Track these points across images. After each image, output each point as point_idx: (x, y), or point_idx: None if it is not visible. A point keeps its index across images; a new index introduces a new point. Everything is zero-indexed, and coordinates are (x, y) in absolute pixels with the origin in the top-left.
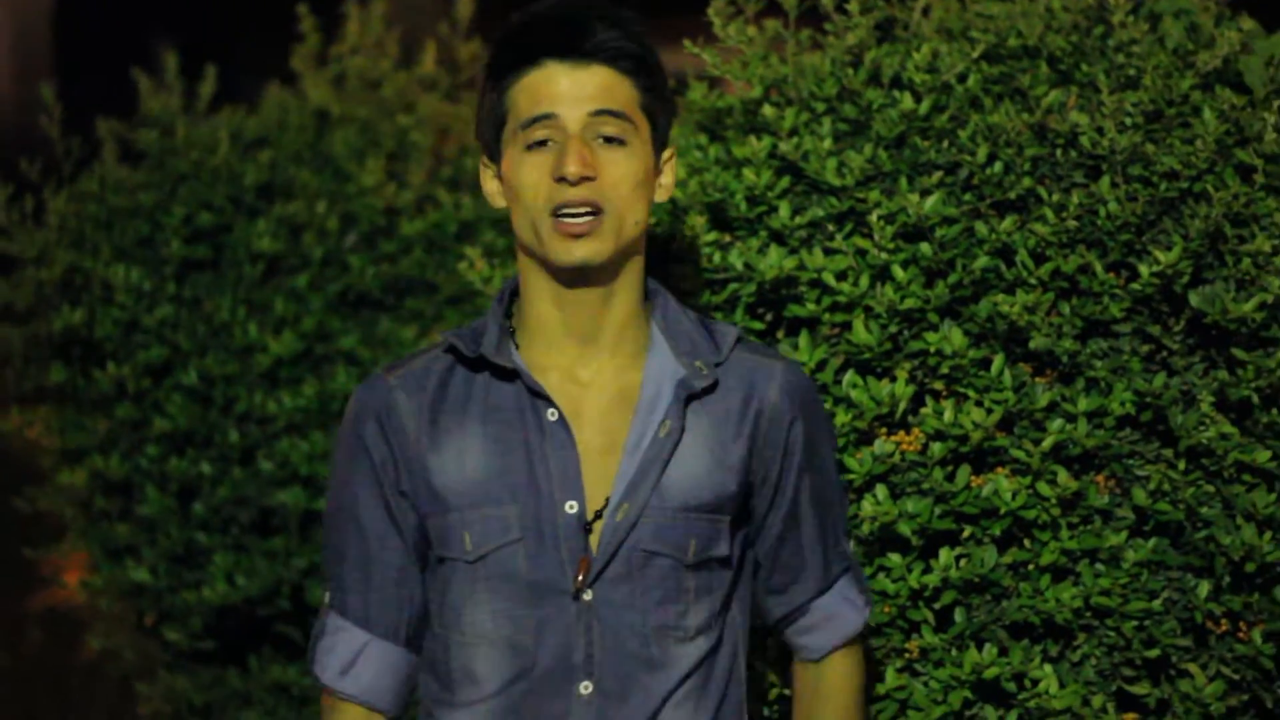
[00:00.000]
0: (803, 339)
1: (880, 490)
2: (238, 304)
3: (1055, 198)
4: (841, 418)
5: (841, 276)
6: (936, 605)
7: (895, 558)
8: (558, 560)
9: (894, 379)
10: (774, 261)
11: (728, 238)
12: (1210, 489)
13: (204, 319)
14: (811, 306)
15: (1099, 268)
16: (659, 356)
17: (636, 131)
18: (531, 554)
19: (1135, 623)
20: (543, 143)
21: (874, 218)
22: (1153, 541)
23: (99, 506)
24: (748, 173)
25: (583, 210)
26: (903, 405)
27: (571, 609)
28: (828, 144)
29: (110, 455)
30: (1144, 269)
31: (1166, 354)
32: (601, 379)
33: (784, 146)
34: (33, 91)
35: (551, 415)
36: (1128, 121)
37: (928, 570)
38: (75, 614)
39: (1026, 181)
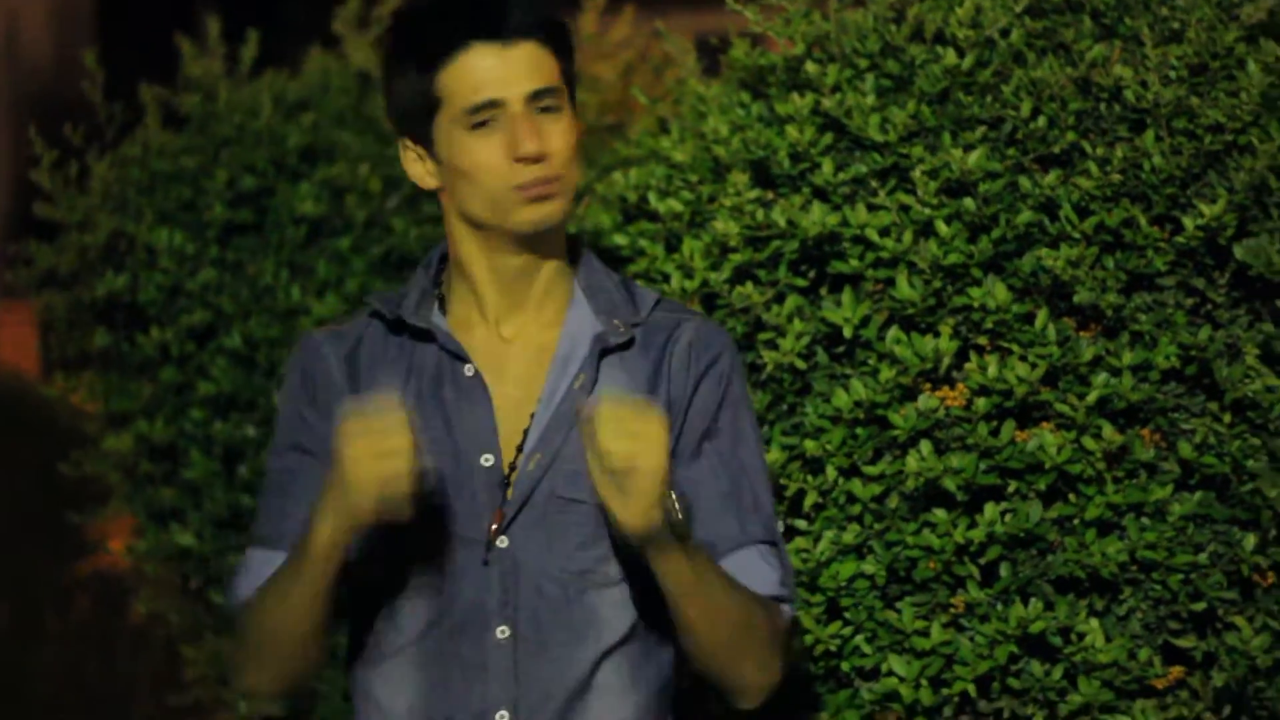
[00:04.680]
0: (846, 295)
1: (925, 446)
2: (281, 267)
3: (1099, 151)
4: (885, 374)
5: (885, 232)
6: (982, 560)
7: (940, 513)
8: (474, 510)
9: (938, 334)
10: (817, 218)
11: (770, 195)
12: (1256, 442)
13: (247, 282)
14: (855, 263)
15: (1143, 221)
16: (578, 314)
17: (565, 97)
18: (448, 505)
19: (1181, 576)
20: (484, 123)
21: (917, 173)
22: (1198, 495)
23: (144, 471)
24: (790, 130)
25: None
26: (947, 361)
27: (485, 556)
28: (871, 100)
29: (155, 420)
30: (1188, 222)
31: (1211, 307)
32: (524, 335)
33: (827, 103)
34: (75, 57)
35: (468, 371)
36: (1172, 75)
37: (973, 525)
38: (121, 579)
39: (1070, 136)
